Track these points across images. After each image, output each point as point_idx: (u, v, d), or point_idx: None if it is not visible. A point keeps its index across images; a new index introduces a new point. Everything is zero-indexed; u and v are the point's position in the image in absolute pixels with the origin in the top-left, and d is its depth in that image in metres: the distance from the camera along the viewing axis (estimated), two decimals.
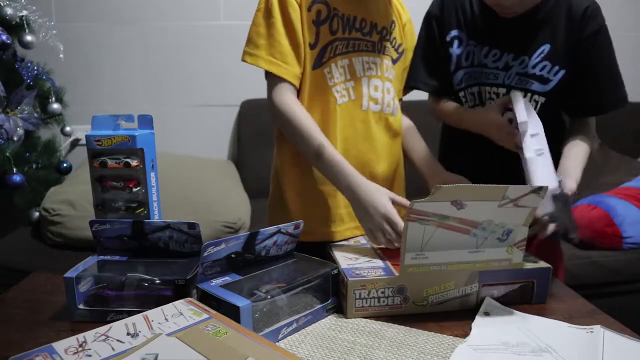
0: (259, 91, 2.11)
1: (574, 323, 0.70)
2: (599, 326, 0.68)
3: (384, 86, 0.99)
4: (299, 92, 0.94)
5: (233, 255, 0.70)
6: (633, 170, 1.93)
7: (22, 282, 0.83)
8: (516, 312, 0.74)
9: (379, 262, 0.78)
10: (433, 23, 1.03)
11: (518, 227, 0.76)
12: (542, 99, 0.96)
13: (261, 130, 2.13)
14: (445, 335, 0.67)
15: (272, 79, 0.92)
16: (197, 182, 1.75)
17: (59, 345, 0.51)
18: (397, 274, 0.73)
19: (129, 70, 2.16)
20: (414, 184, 1.10)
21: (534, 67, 0.94)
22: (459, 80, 1.02)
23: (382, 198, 0.84)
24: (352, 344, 0.65)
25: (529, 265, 0.79)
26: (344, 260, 0.79)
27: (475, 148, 1.01)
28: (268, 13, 0.90)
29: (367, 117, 0.98)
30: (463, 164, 1.00)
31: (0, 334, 0.66)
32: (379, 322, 0.71)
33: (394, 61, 1.03)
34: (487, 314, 0.73)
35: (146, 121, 0.81)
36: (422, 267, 0.73)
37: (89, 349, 0.51)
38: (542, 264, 0.80)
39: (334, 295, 0.74)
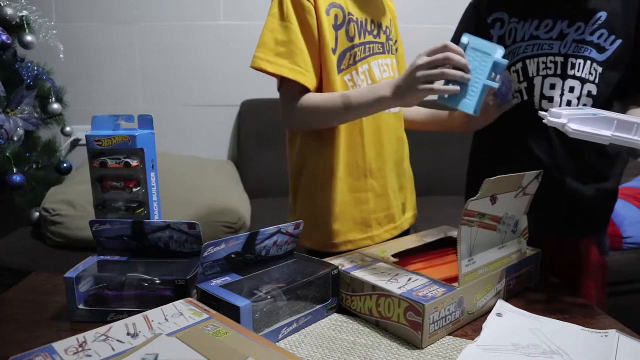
0: (259, 91, 2.15)
1: (574, 323, 0.70)
2: (614, 330, 0.66)
3: None
4: None
5: (233, 255, 0.70)
6: (633, 170, 1.93)
7: (22, 282, 0.83)
8: (529, 313, 0.73)
9: (420, 278, 0.70)
10: (471, 12, 1.01)
11: (521, 217, 0.76)
12: (599, 69, 0.91)
13: (261, 130, 2.13)
14: (445, 336, 0.67)
15: (295, 88, 0.89)
16: (197, 182, 1.75)
17: (59, 345, 0.51)
18: (455, 286, 0.67)
19: (129, 70, 2.16)
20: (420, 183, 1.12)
21: (591, 33, 0.90)
22: None
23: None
24: (352, 344, 0.65)
25: (528, 253, 0.81)
26: (380, 282, 0.69)
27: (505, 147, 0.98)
28: (284, 18, 0.86)
29: (390, 120, 0.98)
30: (493, 165, 0.98)
31: (0, 334, 0.66)
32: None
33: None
34: (499, 315, 0.72)
35: (146, 121, 0.81)
36: (474, 273, 0.70)
37: (89, 349, 0.51)
38: (534, 249, 0.83)
39: (334, 295, 0.74)
